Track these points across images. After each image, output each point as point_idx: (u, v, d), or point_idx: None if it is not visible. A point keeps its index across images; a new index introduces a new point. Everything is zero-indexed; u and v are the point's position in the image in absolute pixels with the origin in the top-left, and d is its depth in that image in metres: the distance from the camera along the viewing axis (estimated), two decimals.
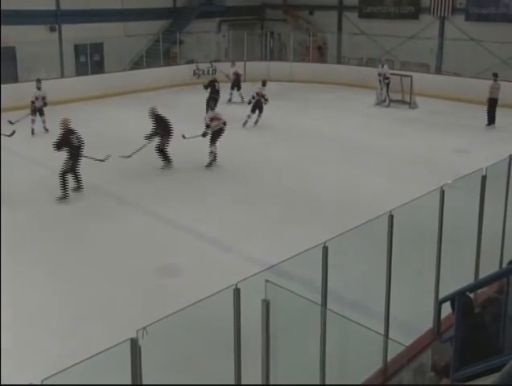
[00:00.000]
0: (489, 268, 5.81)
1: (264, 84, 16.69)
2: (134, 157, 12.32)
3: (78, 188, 10.91)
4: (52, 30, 21.52)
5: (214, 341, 5.47)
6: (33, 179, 11.88)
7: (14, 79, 19.85)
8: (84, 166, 10.91)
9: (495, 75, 16.78)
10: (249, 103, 16.55)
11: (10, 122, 14.02)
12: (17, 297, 7.26)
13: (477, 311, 4.92)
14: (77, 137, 10.66)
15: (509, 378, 2.46)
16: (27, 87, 18.74)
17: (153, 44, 23.77)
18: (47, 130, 15.46)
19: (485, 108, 16.77)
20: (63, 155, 10.71)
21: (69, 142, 10.59)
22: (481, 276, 5.88)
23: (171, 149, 12.45)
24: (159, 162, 12.48)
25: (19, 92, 18.34)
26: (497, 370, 3.25)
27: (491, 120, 16.54)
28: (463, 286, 4.58)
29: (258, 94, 16.43)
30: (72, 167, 10.73)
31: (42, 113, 15.61)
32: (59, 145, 10.58)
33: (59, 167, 10.65)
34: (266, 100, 16.21)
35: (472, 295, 5.07)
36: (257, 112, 16.47)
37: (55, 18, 21.51)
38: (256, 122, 16.56)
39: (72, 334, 6.40)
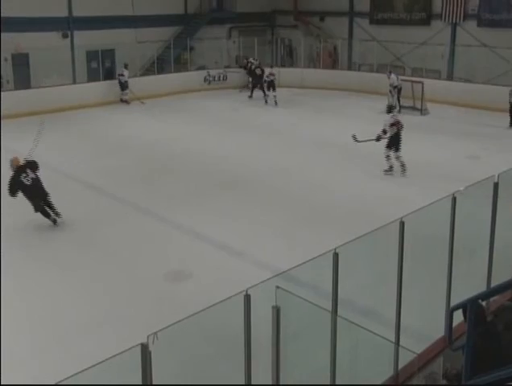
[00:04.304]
0: (501, 276, 5.76)
1: None
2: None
3: (55, 221, 9.57)
4: (65, 36, 21.70)
5: (224, 347, 5.45)
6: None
7: (27, 85, 20.04)
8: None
9: None
10: None
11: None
12: (28, 302, 7.30)
13: (490, 319, 4.88)
14: (28, 176, 9.30)
15: None
16: (40, 92, 19.07)
17: (164, 50, 23.87)
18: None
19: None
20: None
21: (21, 183, 9.24)
22: (494, 284, 5.83)
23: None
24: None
25: (32, 97, 18.61)
26: (511, 380, 3.21)
27: None
28: (475, 294, 4.55)
29: None
30: (38, 206, 9.43)
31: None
32: (12, 190, 9.22)
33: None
34: None
35: (484, 303, 5.02)
36: None
37: (67, 25, 21.70)
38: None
39: (83, 339, 6.41)
